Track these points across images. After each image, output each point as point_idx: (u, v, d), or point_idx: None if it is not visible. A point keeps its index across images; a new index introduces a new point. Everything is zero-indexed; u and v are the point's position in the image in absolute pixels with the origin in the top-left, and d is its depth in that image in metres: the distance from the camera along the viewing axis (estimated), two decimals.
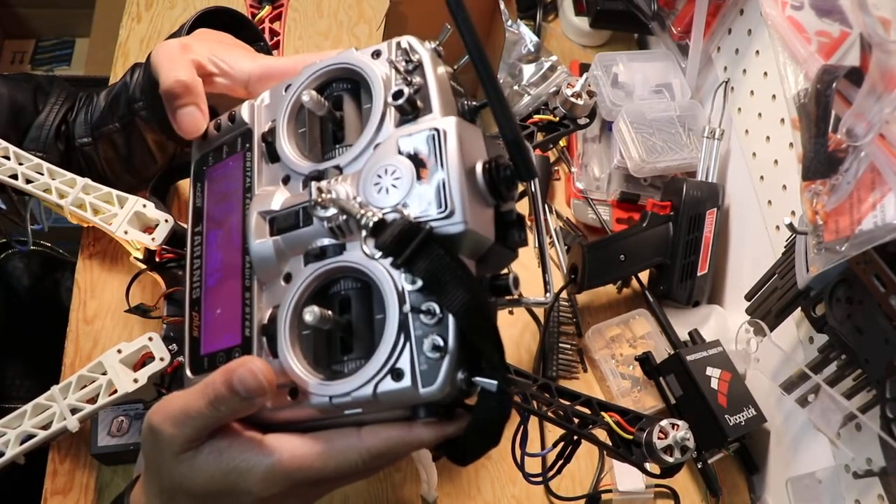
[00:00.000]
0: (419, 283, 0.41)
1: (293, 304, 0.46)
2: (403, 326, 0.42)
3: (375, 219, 0.40)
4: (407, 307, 0.42)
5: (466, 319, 0.40)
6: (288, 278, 0.48)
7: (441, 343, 0.41)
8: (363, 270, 0.44)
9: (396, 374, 0.42)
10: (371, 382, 0.42)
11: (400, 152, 0.44)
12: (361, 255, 0.44)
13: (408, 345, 0.42)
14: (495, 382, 0.41)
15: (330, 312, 0.44)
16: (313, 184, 0.44)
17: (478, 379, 0.41)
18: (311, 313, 0.42)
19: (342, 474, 0.45)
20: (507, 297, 0.46)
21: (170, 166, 0.75)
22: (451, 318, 0.41)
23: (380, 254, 0.41)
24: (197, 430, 0.44)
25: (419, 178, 0.42)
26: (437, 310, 0.41)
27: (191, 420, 0.44)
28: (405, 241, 0.40)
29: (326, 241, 0.46)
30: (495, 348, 0.42)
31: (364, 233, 0.41)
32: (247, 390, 0.42)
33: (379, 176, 0.43)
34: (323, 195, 0.42)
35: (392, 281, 0.43)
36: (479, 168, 0.43)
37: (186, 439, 0.44)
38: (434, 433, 0.44)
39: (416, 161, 0.43)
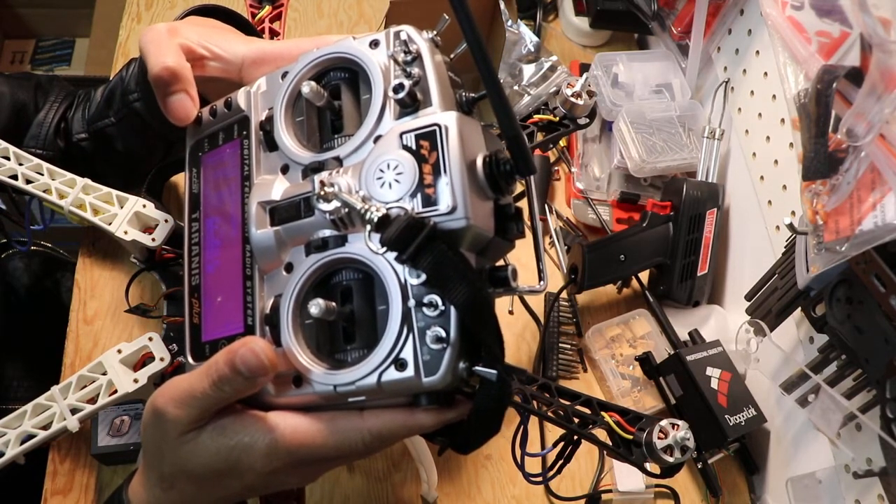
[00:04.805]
0: (422, 277, 0.42)
1: (295, 294, 0.47)
2: (406, 318, 0.43)
3: (379, 214, 0.41)
4: (410, 300, 0.43)
5: (469, 313, 0.41)
6: (289, 268, 0.49)
7: (443, 334, 0.42)
8: (366, 263, 0.45)
9: (400, 365, 0.43)
10: (375, 372, 0.43)
11: (402, 147, 0.44)
12: (364, 247, 0.44)
13: (411, 336, 0.42)
14: (495, 372, 0.42)
15: (334, 304, 0.45)
16: (316, 177, 0.44)
17: (478, 368, 0.42)
18: (316, 306, 0.43)
19: (342, 453, 0.46)
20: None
21: (165, 163, 0.75)
22: (453, 311, 0.42)
23: (384, 248, 0.41)
24: (201, 410, 0.45)
25: (421, 173, 0.43)
26: (440, 302, 0.42)
27: (195, 401, 0.45)
28: (409, 237, 0.40)
29: (328, 233, 0.47)
30: (496, 339, 0.43)
31: (368, 227, 0.41)
32: (249, 369, 0.43)
33: (381, 171, 0.44)
34: (325, 188, 0.43)
35: (395, 274, 0.43)
36: (479, 162, 0.44)
37: (191, 420, 0.45)
38: (434, 419, 0.45)
39: (418, 156, 0.43)
